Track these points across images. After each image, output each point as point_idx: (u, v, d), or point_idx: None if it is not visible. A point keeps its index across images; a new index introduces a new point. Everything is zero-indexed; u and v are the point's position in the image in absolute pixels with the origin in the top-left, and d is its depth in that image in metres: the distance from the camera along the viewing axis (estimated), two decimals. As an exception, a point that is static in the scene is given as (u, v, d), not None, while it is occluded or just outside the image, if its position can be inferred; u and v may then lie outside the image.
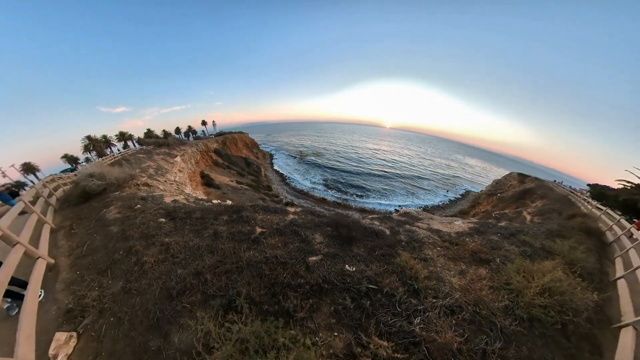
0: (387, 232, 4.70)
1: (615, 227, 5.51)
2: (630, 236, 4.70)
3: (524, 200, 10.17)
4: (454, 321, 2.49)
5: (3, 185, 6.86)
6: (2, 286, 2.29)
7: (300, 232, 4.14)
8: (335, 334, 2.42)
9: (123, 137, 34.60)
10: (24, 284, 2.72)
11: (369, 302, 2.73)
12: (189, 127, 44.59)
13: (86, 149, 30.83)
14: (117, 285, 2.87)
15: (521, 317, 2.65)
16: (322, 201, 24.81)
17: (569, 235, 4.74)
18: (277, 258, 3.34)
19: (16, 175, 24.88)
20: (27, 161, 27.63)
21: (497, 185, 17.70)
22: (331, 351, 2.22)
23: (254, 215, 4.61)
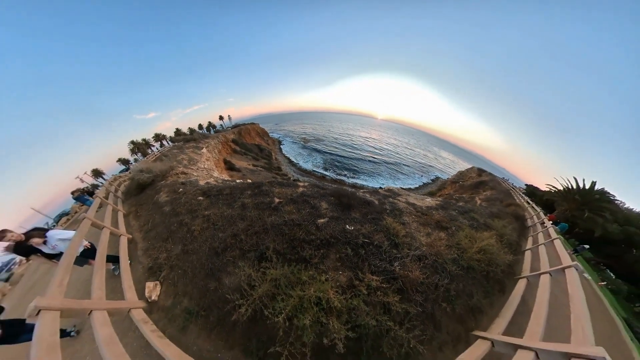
0: (376, 202, 5.20)
1: (535, 217, 7.10)
2: (542, 223, 6.20)
3: (477, 189, 11.99)
4: (420, 265, 3.23)
5: (79, 190, 8.07)
6: (104, 256, 3.01)
7: (310, 201, 4.48)
8: (340, 272, 2.93)
9: (158, 137, 36.95)
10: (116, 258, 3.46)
11: (363, 251, 3.32)
12: (209, 122, 45.63)
13: (132, 151, 33.69)
14: (178, 249, 3.54)
15: (463, 266, 3.52)
16: (322, 179, 27.76)
17: (503, 217, 6.04)
18: (293, 221, 3.75)
19: (90, 180, 28.77)
20: (94, 167, 31.35)
21: (460, 175, 20.08)
22: (338, 284, 2.69)
23: (272, 189, 5.01)
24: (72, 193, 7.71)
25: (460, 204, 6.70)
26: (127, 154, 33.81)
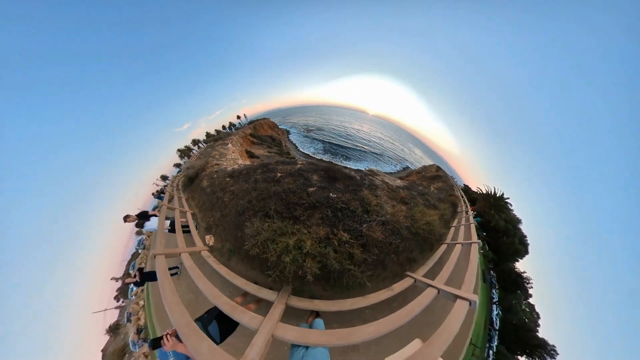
0: (358, 177, 5.83)
1: (463, 206, 8.82)
2: (466, 212, 8.03)
3: (433, 181, 14.17)
4: (383, 228, 4.02)
5: (157, 191, 10.35)
6: (179, 224, 4.43)
7: (304, 174, 5.28)
8: (320, 228, 3.95)
9: (195, 142, 42.20)
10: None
11: (341, 214, 4.14)
12: (230, 122, 49.39)
13: (180, 157, 39.57)
14: (218, 214, 4.92)
15: (412, 232, 4.36)
16: (321, 161, 30.25)
17: (445, 203, 7.08)
18: (290, 189, 4.69)
19: (161, 183, 35.47)
20: (162, 174, 38.38)
21: (424, 168, 23.67)
22: (318, 236, 3.71)
23: (276, 167, 5.97)
24: (152, 194, 10.12)
25: (420, 188, 7.77)
26: (178, 159, 40.11)
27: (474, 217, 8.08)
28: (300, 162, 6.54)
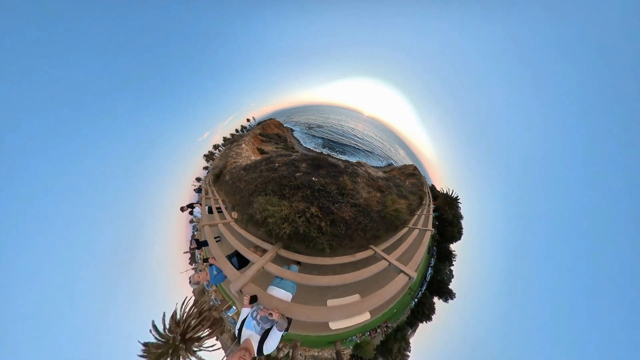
0: (342, 166, 6.92)
1: (428, 200, 10.01)
2: (428, 205, 9.07)
3: (410, 177, 15.59)
4: (353, 209, 5.07)
5: (196, 188, 12.65)
6: (215, 208, 6.17)
7: (295, 163, 6.71)
8: (300, 203, 5.37)
9: (216, 147, 46.74)
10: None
11: (317, 194, 5.45)
12: (242, 125, 52.77)
13: (206, 160, 44.48)
14: (238, 197, 6.73)
15: (381, 215, 5.28)
16: (320, 154, 32.04)
17: (415, 195, 8.06)
18: (283, 175, 6.20)
19: (197, 183, 40.59)
20: (197, 176, 43.83)
21: (404, 166, 25.03)
22: (297, 209, 5.18)
23: (276, 158, 7.51)
24: (194, 190, 12.52)
25: (397, 181, 8.84)
26: (205, 163, 45.54)
27: (433, 211, 9.58)
28: (295, 154, 7.86)
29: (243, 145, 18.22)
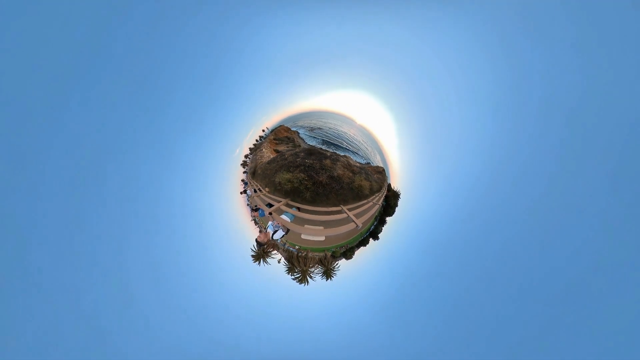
0: (328, 154, 10.41)
1: (383, 189, 12.09)
2: (383, 193, 11.83)
3: (377, 174, 17.42)
4: (328, 178, 9.29)
5: (243, 181, 18.15)
6: (257, 191, 10.71)
7: (297, 154, 10.75)
8: (298, 174, 9.58)
9: (247, 156, 55.71)
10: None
11: (307, 168, 9.80)
12: (260, 136, 60.11)
13: (243, 167, 54.23)
14: (267, 180, 11.07)
15: (350, 187, 9.30)
16: (319, 149, 35.01)
17: (377, 183, 10.67)
18: (290, 161, 10.16)
19: (242, 183, 50.73)
20: (241, 179, 54.01)
21: (376, 166, 28.03)
22: (297, 177, 9.00)
23: (286, 153, 11.42)
24: (241, 181, 17.97)
25: (368, 172, 11.92)
26: (242, 168, 55.50)
27: (384, 198, 13.74)
28: (297, 149, 11.71)
29: (264, 150, 23.48)
